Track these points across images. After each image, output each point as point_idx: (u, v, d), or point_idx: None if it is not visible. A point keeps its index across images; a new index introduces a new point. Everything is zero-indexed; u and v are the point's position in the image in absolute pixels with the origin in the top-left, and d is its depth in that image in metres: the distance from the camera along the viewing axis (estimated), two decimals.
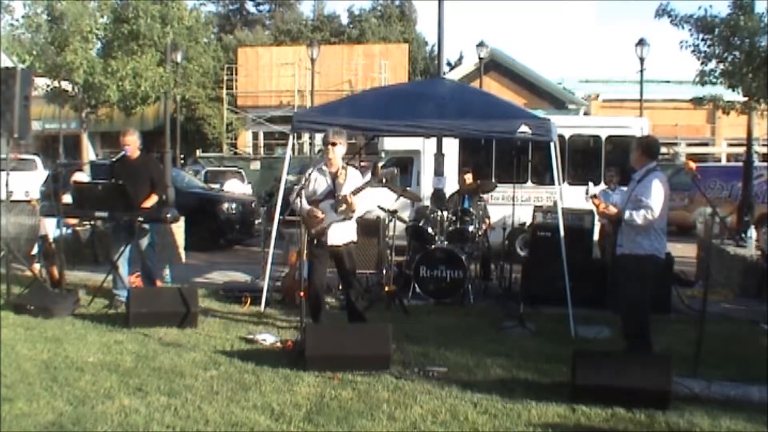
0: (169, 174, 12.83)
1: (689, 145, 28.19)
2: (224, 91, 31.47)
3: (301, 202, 6.18)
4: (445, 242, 8.47)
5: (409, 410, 4.59)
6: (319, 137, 17.32)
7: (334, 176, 6.23)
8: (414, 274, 8.35)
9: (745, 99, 11.88)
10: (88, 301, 7.56)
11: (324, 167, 6.34)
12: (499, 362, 5.75)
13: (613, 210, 5.68)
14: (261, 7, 46.47)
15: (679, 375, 5.03)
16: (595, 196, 5.93)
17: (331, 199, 6.16)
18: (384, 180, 6.43)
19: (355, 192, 6.06)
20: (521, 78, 28.44)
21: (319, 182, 6.31)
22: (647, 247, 5.63)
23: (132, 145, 7.67)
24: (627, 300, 5.73)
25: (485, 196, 9.97)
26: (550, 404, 4.72)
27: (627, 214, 5.57)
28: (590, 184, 5.91)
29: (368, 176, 6.28)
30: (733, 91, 11.65)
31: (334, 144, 6.20)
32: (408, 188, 10.55)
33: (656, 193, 5.56)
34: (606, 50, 69.48)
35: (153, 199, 7.66)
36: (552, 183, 8.78)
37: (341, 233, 6.24)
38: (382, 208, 8.68)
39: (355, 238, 6.43)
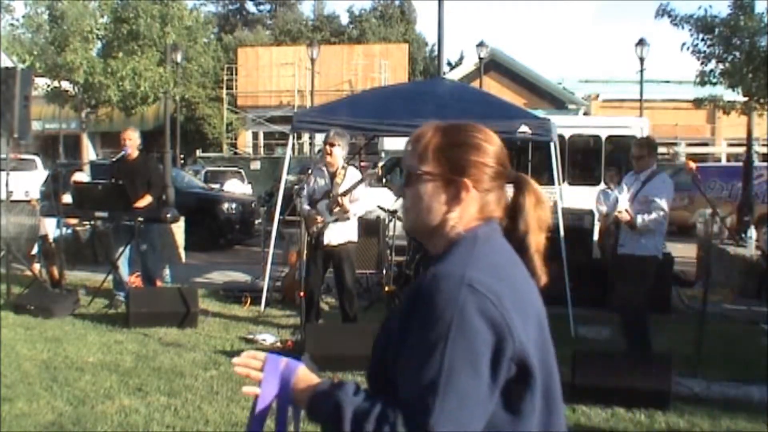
0: (169, 174, 12.83)
1: (689, 145, 28.17)
2: (224, 91, 31.48)
3: (301, 202, 6.19)
4: None
5: None
6: (319, 137, 17.32)
7: (333, 176, 6.23)
8: (414, 274, 8.34)
9: (745, 99, 11.90)
10: (88, 301, 7.57)
11: (323, 167, 6.34)
12: None
13: (626, 216, 5.63)
14: (261, 7, 46.50)
15: (679, 375, 5.03)
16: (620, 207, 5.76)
17: (328, 200, 6.16)
18: (384, 180, 6.42)
19: (345, 193, 6.04)
20: (521, 78, 28.43)
21: (318, 182, 6.32)
22: (651, 247, 5.62)
23: (132, 141, 7.68)
24: (627, 300, 5.72)
25: None
26: None
27: (639, 220, 5.52)
28: (622, 193, 5.78)
29: (359, 177, 6.24)
30: (733, 91, 11.66)
31: (332, 144, 6.20)
32: None
33: (668, 194, 5.58)
34: (606, 50, 69.69)
35: (147, 200, 7.64)
36: (552, 183, 8.75)
37: (338, 233, 6.23)
38: (382, 208, 8.68)
39: (355, 238, 6.41)
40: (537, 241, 1.43)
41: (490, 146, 1.43)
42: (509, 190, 1.47)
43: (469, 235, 1.38)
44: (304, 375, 1.41)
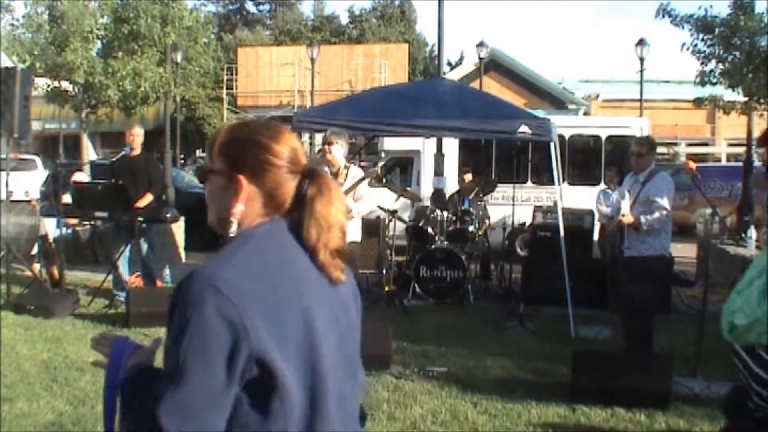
0: (169, 174, 12.83)
1: (689, 145, 28.17)
2: (224, 91, 31.46)
3: None
4: (445, 242, 8.47)
5: (409, 410, 4.59)
6: (319, 137, 17.32)
7: (335, 176, 6.22)
8: (414, 274, 8.35)
9: (745, 99, 11.90)
10: (88, 301, 7.57)
11: (326, 168, 6.33)
12: (499, 362, 5.75)
13: (630, 219, 5.62)
14: (261, 7, 46.50)
15: (679, 375, 5.03)
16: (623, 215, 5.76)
17: None
18: (384, 180, 6.39)
19: (346, 192, 6.03)
20: (521, 78, 28.41)
21: None
22: (657, 246, 5.61)
23: (139, 138, 7.75)
24: (634, 301, 5.67)
25: (485, 196, 9.97)
26: (550, 404, 4.72)
27: (643, 220, 5.52)
28: (624, 199, 5.76)
29: (360, 175, 6.22)
30: (733, 91, 11.67)
31: (331, 144, 6.20)
32: (408, 188, 10.55)
33: (669, 193, 5.58)
34: (606, 50, 69.69)
35: (148, 199, 7.66)
36: (552, 183, 8.77)
37: None
38: (382, 208, 8.68)
39: (358, 238, 6.38)
40: (323, 236, 1.44)
41: (275, 143, 1.46)
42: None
43: (245, 234, 1.44)
44: (136, 356, 1.50)
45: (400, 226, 9.14)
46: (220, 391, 1.27)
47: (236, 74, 32.00)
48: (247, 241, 1.42)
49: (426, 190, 11.82)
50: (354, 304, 1.57)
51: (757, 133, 14.04)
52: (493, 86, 25.56)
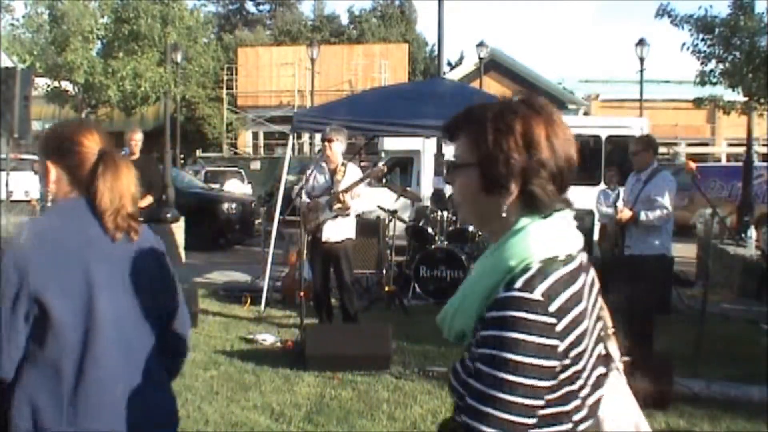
0: (169, 174, 12.83)
1: (689, 145, 28.17)
2: (224, 91, 31.45)
3: (301, 197, 6.22)
4: (445, 242, 8.47)
5: (409, 410, 4.60)
6: (319, 137, 17.31)
7: (333, 173, 6.23)
8: (414, 274, 8.35)
9: (745, 99, 11.90)
10: None
11: (323, 164, 6.34)
12: None
13: (628, 213, 5.62)
14: (261, 7, 46.50)
15: (679, 375, 5.03)
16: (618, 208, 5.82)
17: (328, 196, 6.16)
18: (384, 180, 6.40)
19: (346, 190, 6.04)
20: (521, 78, 28.41)
21: (318, 179, 6.31)
22: (659, 246, 5.61)
23: (138, 143, 7.75)
24: (634, 301, 5.65)
25: None
26: None
27: (642, 215, 5.52)
28: (621, 193, 5.80)
29: (360, 173, 6.24)
30: (733, 91, 11.66)
31: (330, 141, 6.20)
32: (408, 188, 10.55)
33: (670, 192, 5.57)
34: (606, 50, 69.73)
35: (148, 200, 7.67)
36: None
37: (337, 230, 6.21)
38: (382, 208, 8.68)
39: (353, 235, 6.40)
40: (115, 202, 1.83)
41: (72, 134, 1.89)
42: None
43: (53, 206, 1.89)
44: None
45: (400, 226, 9.13)
46: (8, 320, 1.70)
47: (236, 74, 32.00)
48: (49, 212, 1.91)
49: (426, 190, 11.81)
50: (151, 263, 1.92)
51: (757, 133, 14.06)
52: (493, 86, 25.54)
